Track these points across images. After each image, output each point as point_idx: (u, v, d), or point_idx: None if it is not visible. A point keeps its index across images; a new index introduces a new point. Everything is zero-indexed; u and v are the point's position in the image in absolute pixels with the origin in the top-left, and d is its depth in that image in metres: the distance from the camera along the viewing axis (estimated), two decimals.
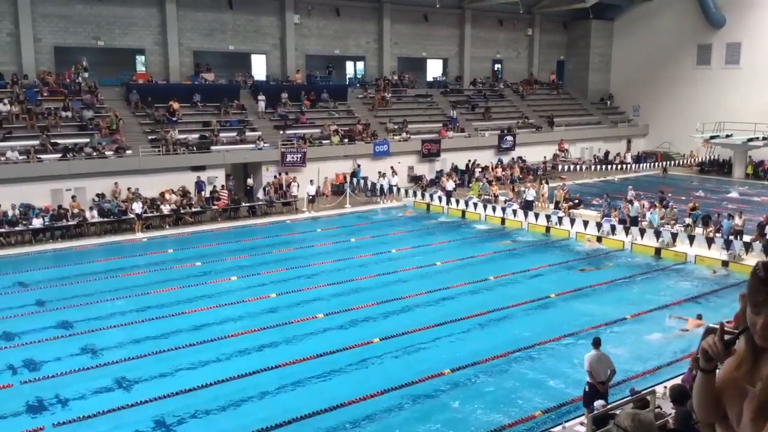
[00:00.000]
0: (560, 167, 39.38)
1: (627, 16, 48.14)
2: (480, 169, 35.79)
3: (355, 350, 14.33)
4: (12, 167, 25.00)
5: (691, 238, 22.80)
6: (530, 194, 28.95)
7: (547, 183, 31.50)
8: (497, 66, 47.48)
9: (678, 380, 11.18)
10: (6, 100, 27.42)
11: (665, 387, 11.17)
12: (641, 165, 41.32)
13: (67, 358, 13.99)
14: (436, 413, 11.90)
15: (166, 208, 26.61)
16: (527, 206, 28.06)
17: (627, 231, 24.03)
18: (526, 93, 46.13)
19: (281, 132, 32.84)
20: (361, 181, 32.52)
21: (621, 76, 48.91)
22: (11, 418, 11.59)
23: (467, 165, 37.02)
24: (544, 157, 40.19)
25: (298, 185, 30.08)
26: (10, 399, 12.19)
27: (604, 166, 40.36)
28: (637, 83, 47.43)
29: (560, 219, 26.10)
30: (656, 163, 42.13)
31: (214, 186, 28.83)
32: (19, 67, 29.68)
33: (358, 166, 33.31)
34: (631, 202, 25.96)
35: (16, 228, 23.69)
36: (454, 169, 36.37)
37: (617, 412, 9.47)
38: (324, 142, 33.50)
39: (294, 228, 27.53)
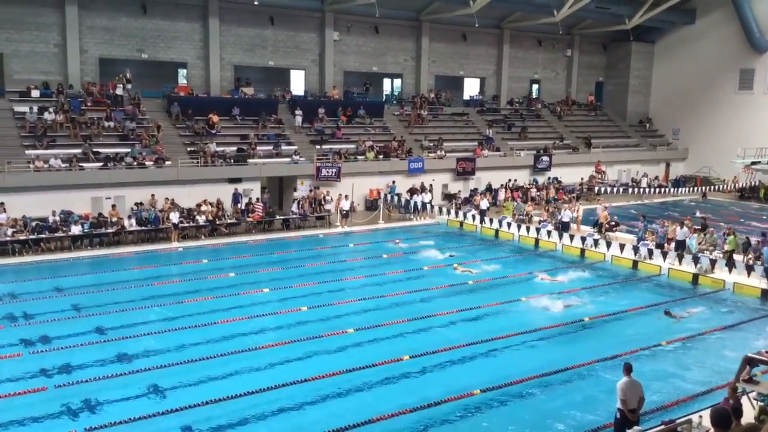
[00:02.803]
0: (597, 189, 38.96)
1: (668, 38, 47.62)
2: (505, 190, 35.53)
3: (385, 367, 14.25)
4: (54, 174, 25.60)
5: (730, 265, 22.30)
6: (566, 215, 28.63)
7: (577, 200, 31.18)
8: (535, 86, 47.32)
9: None
10: (51, 109, 28.17)
11: (700, 416, 10.90)
12: (680, 189, 40.67)
13: (101, 363, 14.18)
14: None
15: (201, 219, 26.95)
16: (563, 227, 27.76)
17: (664, 255, 23.64)
18: (563, 113, 45.80)
19: (317, 147, 33.12)
20: (395, 198, 32.56)
21: (661, 99, 48.34)
22: (44, 421, 11.76)
23: (506, 184, 36.80)
24: (581, 178, 39.79)
25: (332, 200, 30.27)
26: (44, 402, 12.37)
27: (641, 189, 39.80)
28: (677, 106, 46.83)
29: (596, 241, 25.76)
30: (695, 188, 41.45)
31: (250, 198, 29.13)
32: (65, 78, 30.49)
33: (393, 182, 33.38)
34: (682, 224, 25.40)
35: (56, 234, 24.19)
36: (488, 188, 36.21)
37: None
38: (359, 157, 33.69)
39: (327, 242, 27.63)
